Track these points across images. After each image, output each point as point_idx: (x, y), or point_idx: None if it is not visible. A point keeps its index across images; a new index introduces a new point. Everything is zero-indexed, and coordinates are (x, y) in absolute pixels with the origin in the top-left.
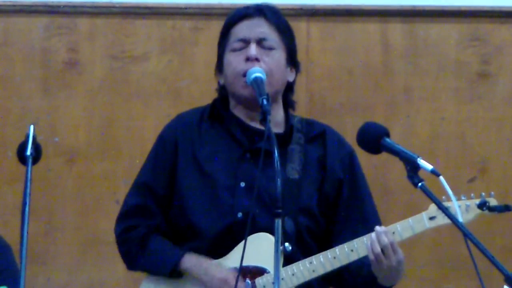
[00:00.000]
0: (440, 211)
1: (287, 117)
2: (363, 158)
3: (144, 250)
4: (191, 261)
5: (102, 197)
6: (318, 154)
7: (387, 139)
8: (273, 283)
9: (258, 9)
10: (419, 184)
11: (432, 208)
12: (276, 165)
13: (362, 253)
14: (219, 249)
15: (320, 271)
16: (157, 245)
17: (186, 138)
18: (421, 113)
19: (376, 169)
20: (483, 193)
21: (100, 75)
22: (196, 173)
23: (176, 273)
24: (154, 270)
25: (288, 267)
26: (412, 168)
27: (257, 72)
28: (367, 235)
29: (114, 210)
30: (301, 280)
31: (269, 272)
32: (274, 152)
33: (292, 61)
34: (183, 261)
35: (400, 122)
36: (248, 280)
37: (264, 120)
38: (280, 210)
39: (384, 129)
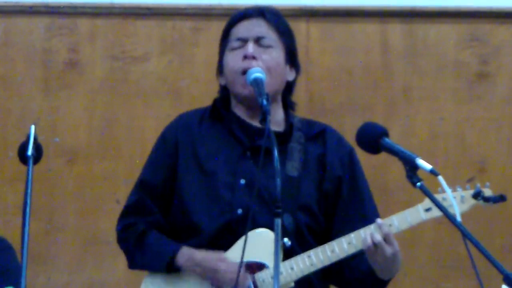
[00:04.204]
0: None
1: (287, 116)
2: (363, 158)
3: (140, 246)
4: (184, 256)
5: (102, 197)
6: (318, 152)
7: (386, 139)
8: (272, 278)
9: (257, 10)
10: (418, 184)
11: (428, 200)
12: (276, 164)
13: (359, 246)
14: (218, 246)
15: (319, 265)
16: (153, 241)
17: (187, 137)
18: (420, 113)
19: (376, 169)
20: (478, 184)
21: (100, 75)
22: (196, 171)
23: (173, 268)
24: (150, 267)
25: (287, 262)
26: (411, 168)
27: (257, 72)
28: (364, 228)
29: (114, 210)
30: (300, 274)
31: (268, 267)
32: (274, 151)
33: (292, 60)
34: (177, 257)
35: (399, 122)
36: (248, 275)
37: (264, 120)
38: (279, 210)
39: (383, 129)
